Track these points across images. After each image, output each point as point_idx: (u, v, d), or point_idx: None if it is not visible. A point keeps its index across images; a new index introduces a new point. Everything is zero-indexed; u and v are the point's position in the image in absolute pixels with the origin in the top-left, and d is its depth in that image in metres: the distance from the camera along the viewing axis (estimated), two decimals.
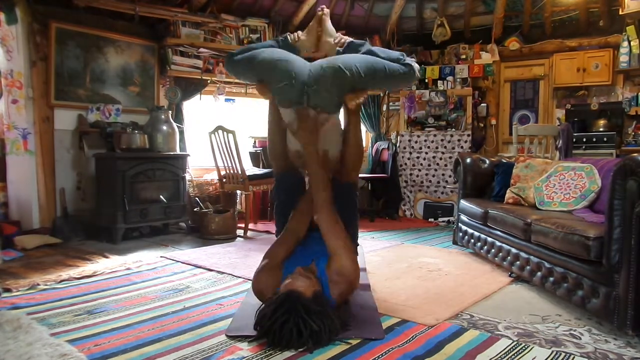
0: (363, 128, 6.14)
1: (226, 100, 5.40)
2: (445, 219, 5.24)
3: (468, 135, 5.49)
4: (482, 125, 5.78)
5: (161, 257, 3.46)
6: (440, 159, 5.57)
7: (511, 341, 1.87)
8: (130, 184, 4.07)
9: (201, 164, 5.17)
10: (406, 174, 5.70)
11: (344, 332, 1.88)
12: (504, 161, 3.68)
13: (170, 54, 4.84)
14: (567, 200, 2.86)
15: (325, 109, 2.27)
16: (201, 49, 5.01)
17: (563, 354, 1.75)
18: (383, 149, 5.78)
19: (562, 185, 2.94)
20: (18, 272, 2.99)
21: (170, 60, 4.84)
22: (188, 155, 4.67)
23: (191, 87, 5.04)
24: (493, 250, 3.10)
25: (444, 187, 5.54)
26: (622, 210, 1.89)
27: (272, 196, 2.71)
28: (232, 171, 4.43)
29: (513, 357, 1.73)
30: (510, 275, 2.87)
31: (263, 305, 1.88)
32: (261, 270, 2.12)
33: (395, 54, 2.32)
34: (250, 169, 4.84)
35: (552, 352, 1.77)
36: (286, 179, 2.52)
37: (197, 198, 4.69)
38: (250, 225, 4.51)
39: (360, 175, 5.54)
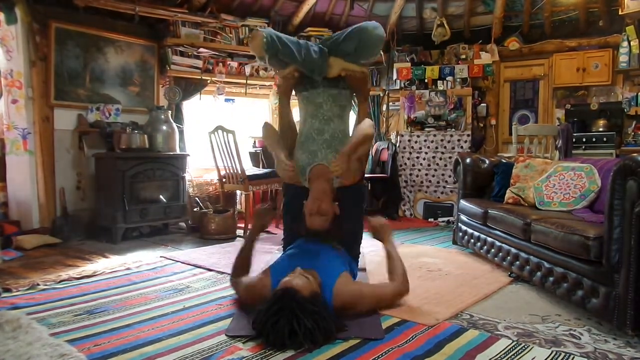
0: None
1: (226, 100, 5.41)
2: (445, 219, 5.24)
3: (468, 135, 5.48)
4: (481, 125, 5.78)
5: (161, 257, 3.46)
6: (440, 159, 5.57)
7: (511, 341, 1.87)
8: (130, 184, 4.07)
9: (201, 164, 5.17)
10: (406, 174, 5.70)
11: (342, 333, 1.88)
12: (504, 161, 3.67)
13: (170, 54, 4.85)
14: (566, 200, 2.86)
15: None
16: (201, 49, 5.02)
17: (563, 354, 1.75)
18: (383, 149, 5.78)
19: (561, 185, 2.94)
20: (18, 272, 2.99)
21: (170, 60, 4.84)
22: (188, 155, 4.67)
23: (191, 87, 5.04)
24: (493, 250, 3.10)
25: (444, 187, 5.55)
26: (621, 210, 1.89)
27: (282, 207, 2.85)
28: (232, 171, 4.43)
29: (513, 357, 1.73)
30: (510, 275, 2.87)
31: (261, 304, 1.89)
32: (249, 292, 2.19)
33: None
34: (250, 169, 4.83)
35: (552, 352, 1.77)
36: (291, 188, 2.64)
37: (197, 198, 4.69)
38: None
39: None
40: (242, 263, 2.46)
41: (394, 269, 2.32)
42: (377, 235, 2.49)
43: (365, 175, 5.65)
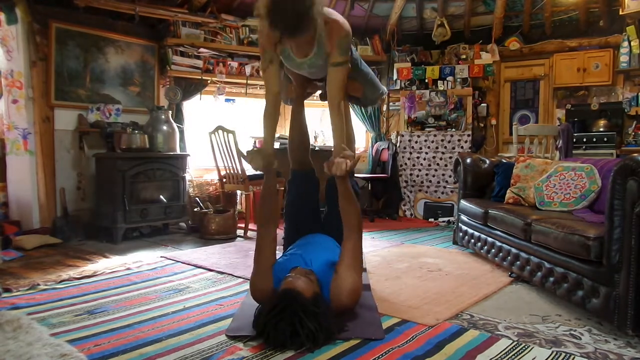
0: (363, 128, 6.14)
1: (226, 100, 5.41)
2: (445, 219, 5.24)
3: (468, 135, 5.48)
4: (482, 125, 5.78)
5: (161, 257, 3.46)
6: (440, 159, 5.57)
7: (511, 341, 1.87)
8: (130, 184, 4.07)
9: (201, 164, 5.17)
10: (406, 174, 5.70)
11: (343, 333, 1.88)
12: (504, 161, 3.67)
13: (170, 54, 4.85)
14: (567, 200, 2.86)
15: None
16: (201, 49, 5.02)
17: (563, 354, 1.75)
18: (383, 149, 5.78)
19: (562, 185, 2.94)
20: (18, 272, 2.99)
21: (170, 60, 4.84)
22: (188, 155, 4.67)
23: (191, 87, 5.04)
24: (493, 250, 3.09)
25: (444, 187, 5.54)
26: (622, 210, 1.89)
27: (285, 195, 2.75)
28: (232, 171, 4.43)
29: (513, 357, 1.73)
30: (510, 275, 2.87)
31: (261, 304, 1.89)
32: (255, 275, 2.13)
33: None
34: (251, 169, 4.83)
35: (552, 352, 1.77)
36: (300, 179, 2.58)
37: (197, 198, 4.69)
38: (251, 226, 4.50)
39: (360, 175, 5.58)
40: (269, 207, 2.22)
41: (348, 217, 2.13)
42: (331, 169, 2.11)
43: (366, 176, 5.69)
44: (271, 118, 2.28)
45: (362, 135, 6.24)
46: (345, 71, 2.22)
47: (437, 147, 5.59)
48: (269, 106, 2.27)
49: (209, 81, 5.12)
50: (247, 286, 2.57)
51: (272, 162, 2.23)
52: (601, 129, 4.95)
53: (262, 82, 5.51)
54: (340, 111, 2.22)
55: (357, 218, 2.15)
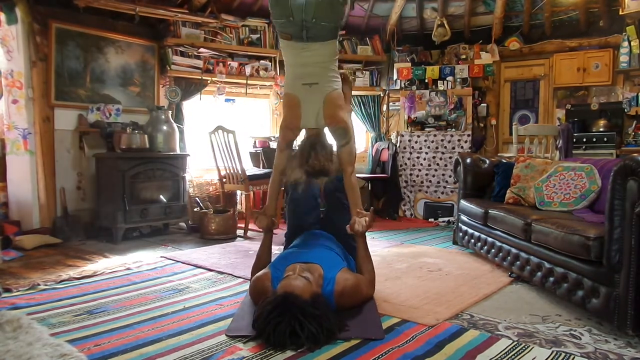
0: (363, 128, 6.14)
1: (226, 100, 5.40)
2: (445, 219, 5.24)
3: (468, 135, 5.48)
4: (482, 125, 5.78)
5: (161, 257, 3.46)
6: (440, 159, 5.57)
7: (511, 341, 1.87)
8: (130, 184, 4.07)
9: (201, 164, 5.17)
10: (406, 174, 5.70)
11: (343, 333, 1.88)
12: (504, 161, 3.67)
13: (171, 54, 4.85)
14: (567, 200, 2.86)
15: (323, 38, 2.33)
16: (201, 49, 5.02)
17: (563, 354, 1.75)
18: (383, 149, 5.78)
19: (562, 185, 2.94)
20: (18, 272, 2.99)
21: (171, 60, 4.84)
22: (188, 155, 4.67)
23: (191, 87, 5.05)
24: (493, 250, 3.10)
25: (444, 187, 5.54)
26: (622, 210, 1.89)
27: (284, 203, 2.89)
28: (232, 171, 4.43)
29: (513, 357, 1.73)
30: (510, 275, 2.87)
31: (260, 304, 1.89)
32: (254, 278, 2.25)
33: None
34: (250, 169, 4.84)
35: (552, 352, 1.77)
36: (293, 187, 2.62)
37: (197, 198, 4.69)
38: (251, 225, 4.50)
39: (360, 175, 5.58)
40: (259, 265, 2.46)
41: (366, 266, 2.36)
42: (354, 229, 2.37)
43: (366, 175, 5.69)
44: (276, 187, 2.59)
45: (362, 135, 6.24)
46: (349, 148, 2.46)
47: (437, 147, 5.59)
48: (275, 177, 2.57)
49: (209, 81, 5.12)
50: (247, 286, 2.58)
51: (274, 223, 2.53)
52: (601, 129, 4.94)
53: (261, 82, 5.52)
54: (352, 181, 2.46)
55: (372, 272, 2.36)
